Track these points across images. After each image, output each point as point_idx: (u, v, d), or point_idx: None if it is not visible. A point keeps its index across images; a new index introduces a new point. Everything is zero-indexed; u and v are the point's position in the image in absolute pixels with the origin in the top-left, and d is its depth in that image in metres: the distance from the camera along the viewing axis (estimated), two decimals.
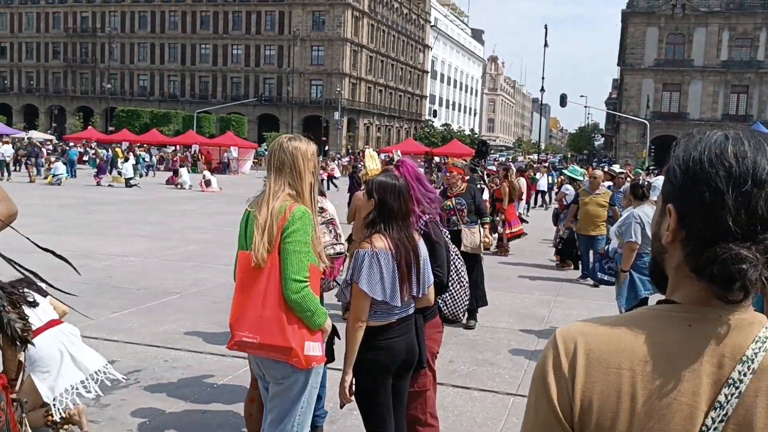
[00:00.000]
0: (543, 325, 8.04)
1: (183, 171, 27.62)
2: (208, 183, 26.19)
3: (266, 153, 3.44)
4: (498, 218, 12.69)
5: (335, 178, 32.30)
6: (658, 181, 11.51)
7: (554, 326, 7.86)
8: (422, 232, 3.69)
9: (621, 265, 6.54)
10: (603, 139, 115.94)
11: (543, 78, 45.28)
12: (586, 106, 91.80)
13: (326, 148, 68.48)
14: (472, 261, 7.34)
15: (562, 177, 12.46)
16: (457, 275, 5.61)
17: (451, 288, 5.45)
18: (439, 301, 4.62)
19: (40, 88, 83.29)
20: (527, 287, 10.28)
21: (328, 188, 34.59)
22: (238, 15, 77.32)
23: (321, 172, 26.86)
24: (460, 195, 7.65)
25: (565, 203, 12.29)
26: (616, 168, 24.30)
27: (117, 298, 8.52)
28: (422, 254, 3.38)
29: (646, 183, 11.09)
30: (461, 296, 5.83)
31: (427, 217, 3.85)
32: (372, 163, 5.69)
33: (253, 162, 43.33)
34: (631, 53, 64.46)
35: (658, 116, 60.67)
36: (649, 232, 6.22)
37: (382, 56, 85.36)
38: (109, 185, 27.20)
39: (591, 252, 10.22)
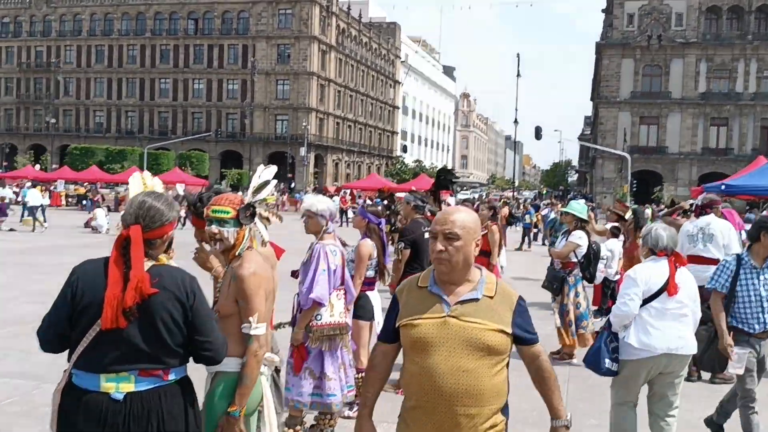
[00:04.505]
0: None
1: (99, 212, 23.78)
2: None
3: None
4: None
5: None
6: (713, 225, 7.76)
7: None
8: None
9: None
10: (576, 175, 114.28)
11: (516, 109, 42.55)
12: (560, 141, 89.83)
13: (292, 184, 65.32)
14: None
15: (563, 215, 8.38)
16: None
17: None
18: None
19: None
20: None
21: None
22: (199, 48, 74.26)
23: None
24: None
25: (576, 260, 7.72)
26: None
27: None
28: None
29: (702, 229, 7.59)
30: None
31: None
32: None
33: None
34: (606, 86, 62.44)
35: (635, 150, 58.26)
36: None
37: (350, 91, 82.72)
38: (11, 230, 23.31)
39: None
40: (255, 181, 3.41)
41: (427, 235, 6.24)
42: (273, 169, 3.47)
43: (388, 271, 5.85)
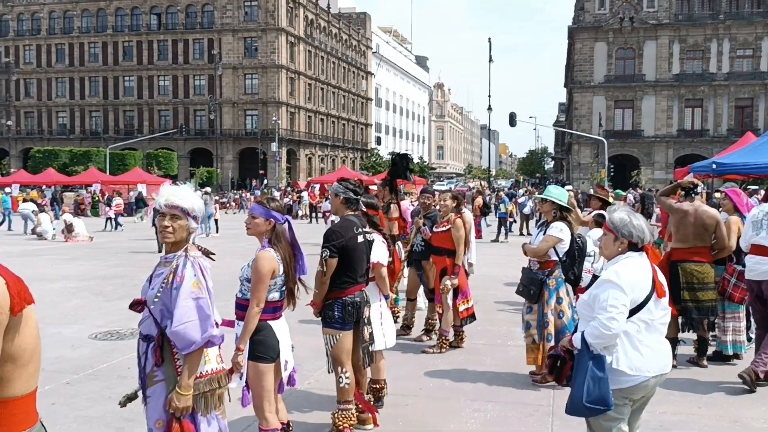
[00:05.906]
0: None
1: (43, 217, 22.08)
2: (70, 229, 20.72)
3: None
4: (449, 283, 7.15)
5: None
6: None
7: None
8: None
9: None
10: (553, 162, 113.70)
11: (489, 95, 41.42)
12: (535, 128, 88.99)
13: (265, 181, 63.80)
14: None
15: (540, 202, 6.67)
16: None
17: None
18: None
19: None
20: None
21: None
22: (163, 44, 72.16)
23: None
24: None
25: (557, 258, 6.15)
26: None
27: None
28: None
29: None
30: None
31: None
32: None
33: None
34: (579, 70, 61.54)
35: (611, 134, 57.50)
36: None
37: (321, 83, 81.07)
38: None
39: None
40: None
41: (360, 238, 4.83)
42: None
43: (307, 286, 4.33)
